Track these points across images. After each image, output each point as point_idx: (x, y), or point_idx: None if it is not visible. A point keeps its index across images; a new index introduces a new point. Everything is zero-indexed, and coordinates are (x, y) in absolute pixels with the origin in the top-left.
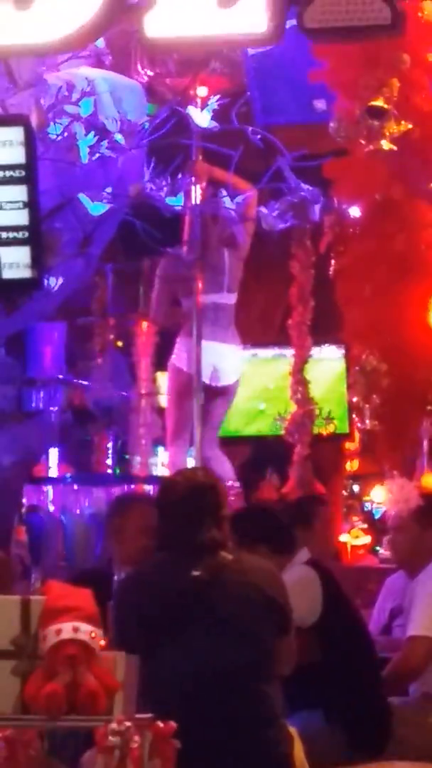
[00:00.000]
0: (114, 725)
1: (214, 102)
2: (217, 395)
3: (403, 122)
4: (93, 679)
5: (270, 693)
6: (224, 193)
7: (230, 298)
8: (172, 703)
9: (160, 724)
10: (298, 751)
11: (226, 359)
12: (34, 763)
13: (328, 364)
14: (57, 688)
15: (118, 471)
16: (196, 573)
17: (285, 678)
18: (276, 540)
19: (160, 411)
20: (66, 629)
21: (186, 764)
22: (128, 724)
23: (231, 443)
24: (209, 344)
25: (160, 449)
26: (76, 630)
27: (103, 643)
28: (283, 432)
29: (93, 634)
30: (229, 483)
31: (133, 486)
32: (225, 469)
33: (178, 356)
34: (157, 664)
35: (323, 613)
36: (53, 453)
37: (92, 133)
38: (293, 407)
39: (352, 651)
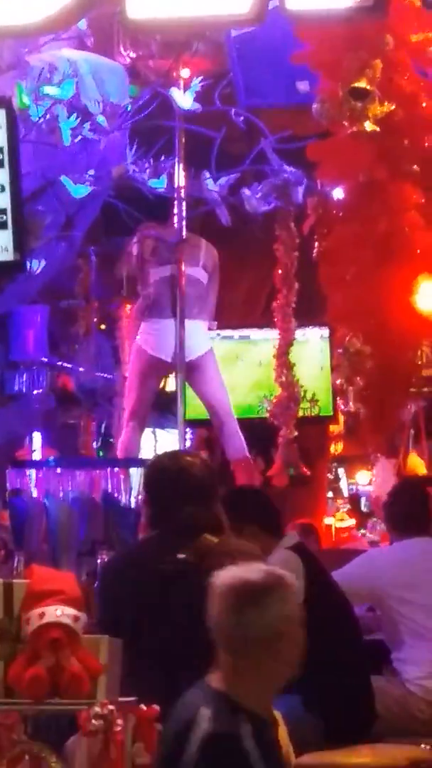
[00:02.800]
0: (97, 709)
1: (196, 84)
2: (191, 373)
3: (386, 103)
4: (76, 662)
5: None
6: (207, 175)
7: (204, 276)
8: (156, 686)
9: (144, 708)
10: (283, 735)
11: (188, 334)
12: (17, 746)
13: (312, 346)
14: (40, 672)
15: (101, 453)
16: (181, 555)
17: None
18: (266, 520)
19: None
20: (49, 613)
21: None
22: (111, 707)
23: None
24: (171, 322)
25: (148, 431)
26: (59, 613)
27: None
28: (267, 414)
29: (76, 618)
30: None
31: (117, 469)
32: (242, 443)
33: (143, 337)
34: (141, 647)
35: (305, 599)
36: (36, 436)
37: (74, 115)
38: (278, 390)
39: (335, 636)
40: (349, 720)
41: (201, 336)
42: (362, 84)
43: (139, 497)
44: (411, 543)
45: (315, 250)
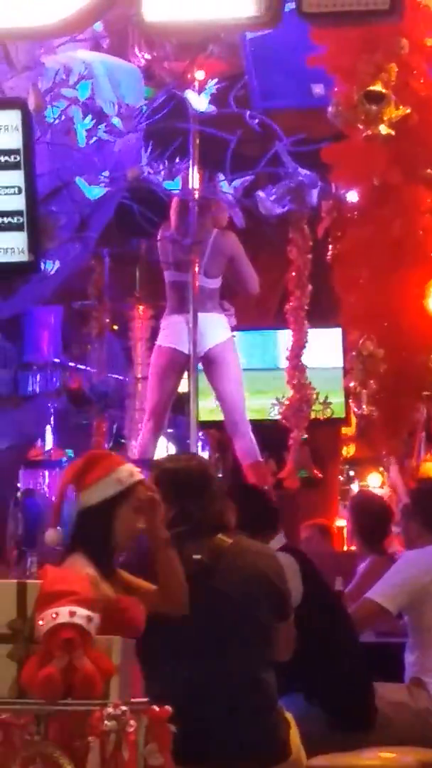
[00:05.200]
0: (110, 709)
1: (212, 86)
2: (209, 366)
3: (401, 107)
4: (89, 663)
5: (268, 679)
6: (221, 177)
7: (208, 282)
8: (170, 687)
9: (156, 709)
10: (295, 736)
11: (201, 324)
12: (30, 747)
13: (324, 348)
14: (53, 672)
15: None
16: (197, 557)
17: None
18: (255, 522)
19: None
20: (62, 613)
21: (184, 750)
22: (124, 708)
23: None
24: (183, 316)
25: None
26: (72, 614)
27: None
28: (279, 416)
29: (89, 618)
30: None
31: None
32: (254, 446)
33: (160, 335)
34: (154, 647)
35: (302, 599)
36: (49, 437)
37: (89, 116)
38: (290, 392)
39: (332, 635)
40: (350, 710)
41: (218, 326)
42: (377, 87)
43: None
44: None
45: (329, 253)
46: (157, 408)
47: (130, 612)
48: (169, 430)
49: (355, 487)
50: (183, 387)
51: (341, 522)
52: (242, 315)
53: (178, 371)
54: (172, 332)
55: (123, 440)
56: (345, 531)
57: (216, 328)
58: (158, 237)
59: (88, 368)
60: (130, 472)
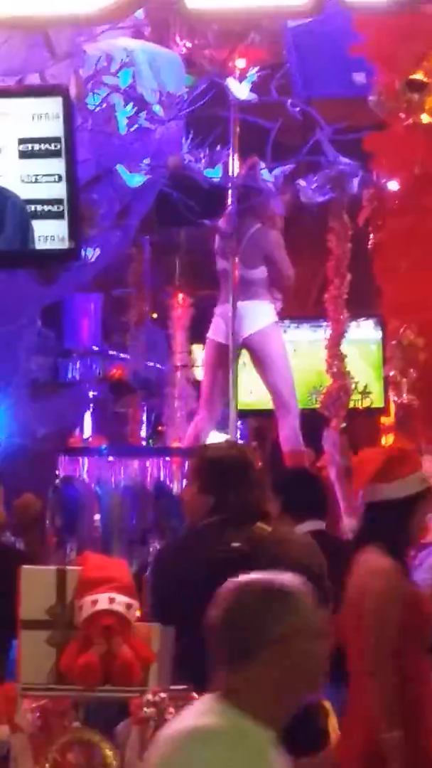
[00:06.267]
0: (149, 696)
1: (253, 74)
2: (251, 353)
3: None
4: (128, 650)
5: None
6: (262, 165)
7: (247, 272)
8: (207, 675)
9: (195, 696)
10: (333, 724)
11: (240, 311)
12: (69, 732)
13: (364, 338)
14: (92, 659)
15: (150, 442)
16: (235, 544)
17: None
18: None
19: (196, 383)
20: (102, 600)
21: None
22: (163, 695)
23: (266, 416)
24: (226, 306)
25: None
26: (112, 601)
27: (138, 614)
28: (318, 406)
29: (129, 605)
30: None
31: (168, 458)
32: (291, 434)
33: (211, 328)
34: (193, 635)
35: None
36: (87, 424)
37: (131, 104)
38: (329, 381)
39: None
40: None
41: (258, 314)
42: (419, 76)
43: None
44: None
45: (369, 242)
46: (209, 399)
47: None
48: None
49: None
50: None
51: None
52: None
53: (224, 362)
54: (215, 324)
55: (161, 428)
56: None
57: (255, 315)
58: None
59: (128, 357)
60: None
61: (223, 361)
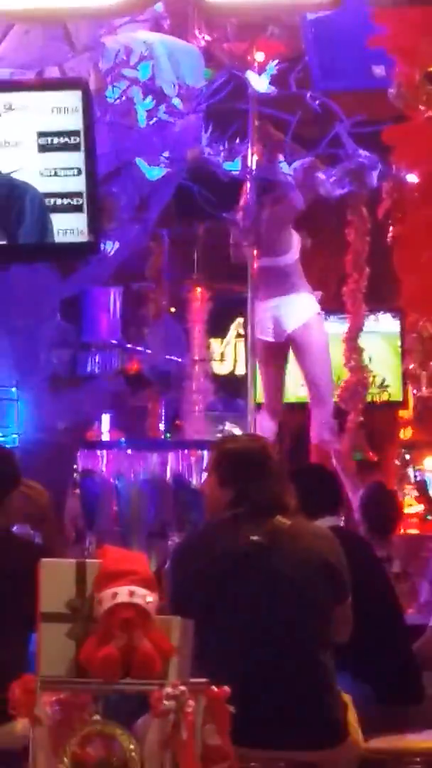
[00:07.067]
0: (169, 689)
1: (272, 67)
2: (293, 347)
3: None
4: (148, 643)
5: (325, 660)
6: (281, 158)
7: (279, 261)
8: (228, 668)
9: (215, 689)
10: (352, 718)
11: (283, 308)
12: (88, 725)
13: (383, 331)
14: (112, 652)
15: (168, 436)
16: (255, 537)
17: None
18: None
19: (214, 378)
20: (122, 593)
21: (242, 730)
22: (183, 688)
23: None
24: (268, 303)
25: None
26: (131, 594)
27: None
28: (336, 399)
29: (148, 598)
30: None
31: (186, 451)
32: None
33: (256, 327)
34: (213, 628)
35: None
36: (105, 418)
37: (150, 97)
38: (347, 374)
39: (378, 614)
40: (398, 685)
41: (299, 307)
42: None
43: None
44: None
45: (389, 235)
46: (267, 396)
47: None
48: (230, 414)
49: (410, 472)
50: (240, 369)
51: None
52: None
53: (271, 358)
54: (258, 322)
55: (178, 422)
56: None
57: (298, 309)
58: None
59: (146, 350)
60: None
61: (264, 355)
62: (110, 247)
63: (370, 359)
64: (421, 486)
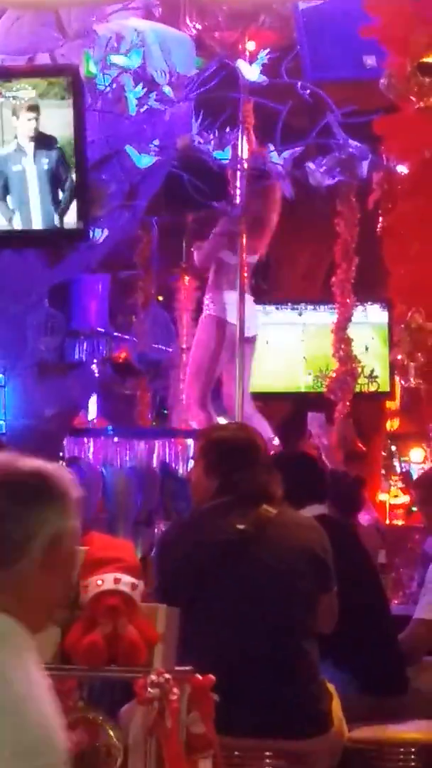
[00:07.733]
0: (153, 677)
1: (263, 56)
2: (248, 347)
3: None
4: (134, 630)
5: (310, 650)
6: (272, 147)
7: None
8: (213, 657)
9: (200, 677)
10: (336, 708)
11: (250, 310)
12: (73, 712)
13: (371, 321)
14: (97, 639)
15: (156, 424)
16: (240, 526)
17: None
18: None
19: None
20: (107, 580)
21: (225, 718)
22: (168, 676)
23: (272, 400)
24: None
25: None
26: (117, 581)
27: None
28: (324, 390)
29: (134, 586)
30: (274, 439)
31: (173, 439)
32: (263, 424)
33: (221, 307)
34: (198, 617)
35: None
36: (92, 406)
37: (140, 84)
38: (335, 365)
39: (362, 601)
40: (382, 675)
41: (254, 314)
42: (430, 59)
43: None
44: None
45: (379, 225)
46: (214, 382)
47: None
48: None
49: (396, 463)
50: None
51: (383, 496)
52: (288, 288)
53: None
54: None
55: (165, 410)
56: (387, 505)
57: (254, 315)
58: None
59: (133, 338)
60: None
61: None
62: (99, 234)
63: (366, 349)
64: (406, 477)
